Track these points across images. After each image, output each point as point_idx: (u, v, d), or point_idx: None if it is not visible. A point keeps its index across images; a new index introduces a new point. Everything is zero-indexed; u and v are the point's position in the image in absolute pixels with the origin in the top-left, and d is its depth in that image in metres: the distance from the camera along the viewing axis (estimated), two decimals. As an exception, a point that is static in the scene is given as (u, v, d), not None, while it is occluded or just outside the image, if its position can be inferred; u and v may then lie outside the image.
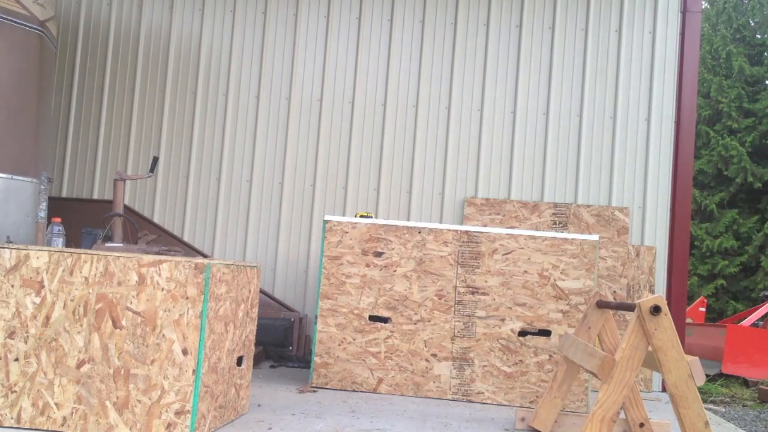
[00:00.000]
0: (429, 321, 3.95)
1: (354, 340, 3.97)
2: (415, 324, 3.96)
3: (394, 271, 4.00)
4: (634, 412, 2.93)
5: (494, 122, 5.20)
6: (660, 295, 2.54)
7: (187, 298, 2.64)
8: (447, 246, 3.99)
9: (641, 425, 2.92)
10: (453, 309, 3.95)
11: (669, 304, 4.86)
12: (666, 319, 2.51)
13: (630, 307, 3.14)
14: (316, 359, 3.97)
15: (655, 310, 2.51)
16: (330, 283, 4.02)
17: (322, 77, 5.34)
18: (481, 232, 3.99)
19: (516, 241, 3.95)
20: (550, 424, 3.11)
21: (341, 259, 4.03)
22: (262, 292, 5.00)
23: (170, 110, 5.43)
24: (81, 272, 2.70)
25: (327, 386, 3.95)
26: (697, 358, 2.59)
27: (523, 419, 3.26)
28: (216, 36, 5.44)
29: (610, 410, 2.53)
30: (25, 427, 2.66)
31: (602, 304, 3.07)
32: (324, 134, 5.30)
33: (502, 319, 3.91)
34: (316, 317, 4.02)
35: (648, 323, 2.51)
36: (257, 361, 4.44)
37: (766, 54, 15.67)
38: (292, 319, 4.87)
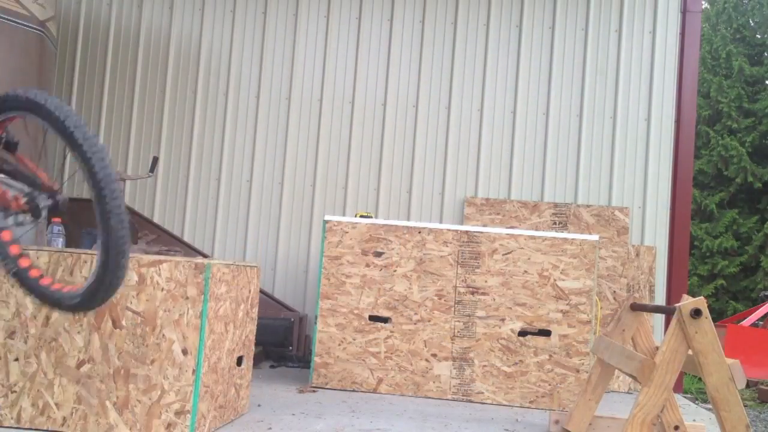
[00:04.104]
0: (429, 321, 3.95)
1: (354, 340, 3.97)
2: (415, 324, 3.96)
3: (394, 271, 4.00)
4: (669, 414, 2.92)
5: (494, 122, 5.20)
6: (701, 298, 2.54)
7: (187, 298, 2.64)
8: (447, 246, 3.99)
9: (676, 428, 2.91)
10: (453, 309, 3.94)
11: (669, 304, 4.86)
12: (707, 322, 2.50)
13: (665, 310, 3.13)
14: (316, 359, 3.97)
15: (696, 313, 2.50)
16: (330, 283, 4.02)
17: (322, 77, 5.34)
18: (481, 232, 3.99)
19: (516, 241, 3.95)
20: (585, 427, 3.10)
21: (341, 259, 4.03)
22: (262, 292, 4.99)
23: (170, 110, 5.43)
24: (81, 272, 2.70)
25: (327, 386, 3.95)
26: (737, 361, 2.56)
27: (557, 422, 3.25)
28: (216, 36, 5.44)
29: (650, 413, 2.53)
30: (25, 427, 2.66)
31: (636, 307, 3.05)
32: (324, 134, 5.30)
33: (502, 319, 3.91)
34: (316, 317, 4.02)
35: (688, 326, 2.50)
36: (257, 361, 4.44)
37: (766, 54, 15.67)
38: (292, 319, 4.87)
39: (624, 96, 5.15)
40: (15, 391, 2.68)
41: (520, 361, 3.88)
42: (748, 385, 7.86)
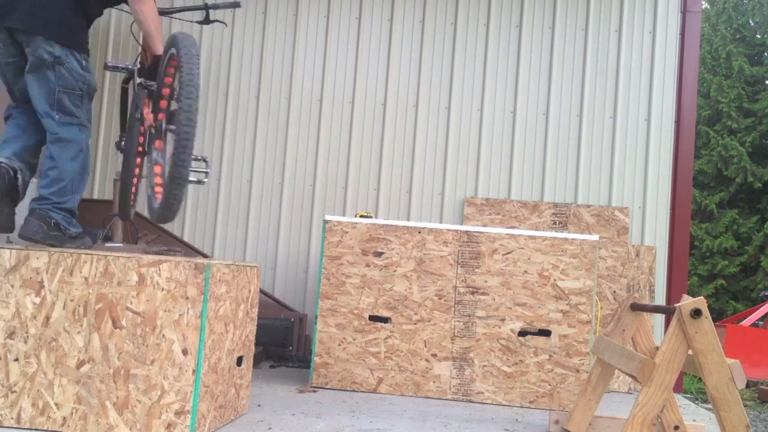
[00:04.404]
0: (429, 321, 3.95)
1: (354, 340, 3.97)
2: (415, 324, 3.96)
3: (394, 271, 4.00)
4: (669, 414, 2.92)
5: (494, 122, 5.20)
6: (701, 298, 2.54)
7: (187, 298, 2.64)
8: (447, 246, 3.99)
9: (676, 428, 2.91)
10: (453, 309, 3.94)
11: (669, 304, 4.86)
12: (707, 322, 2.51)
13: (665, 310, 3.13)
14: (316, 359, 3.97)
15: (696, 313, 2.50)
16: (330, 283, 4.02)
17: (322, 77, 5.34)
18: (481, 232, 3.99)
19: (516, 241, 3.95)
20: (585, 427, 3.10)
21: (341, 259, 4.03)
22: (262, 292, 4.99)
23: (170, 110, 5.43)
24: (81, 272, 2.70)
25: (327, 386, 3.95)
26: (738, 361, 2.57)
27: (557, 422, 3.25)
28: (216, 36, 5.44)
29: (650, 413, 2.53)
30: (25, 427, 2.66)
31: (636, 307, 3.06)
32: (324, 134, 5.30)
33: (502, 319, 3.91)
34: (316, 317, 4.02)
35: (688, 326, 2.50)
36: (257, 361, 4.44)
37: (766, 54, 15.68)
38: (292, 319, 4.87)
39: (624, 96, 5.15)
40: (15, 391, 2.68)
41: (520, 361, 3.88)
42: (748, 385, 7.86)
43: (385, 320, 3.98)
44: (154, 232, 5.15)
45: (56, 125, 2.91)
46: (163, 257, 2.73)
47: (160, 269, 2.66)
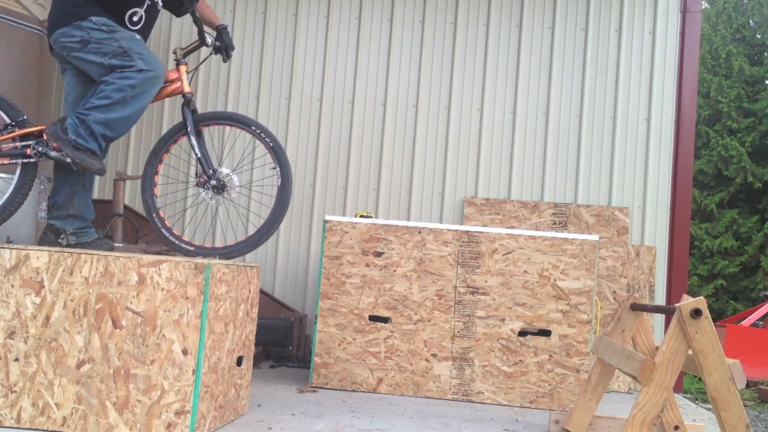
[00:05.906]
0: (429, 321, 3.95)
1: (354, 340, 3.97)
2: (415, 324, 3.96)
3: (394, 271, 4.00)
4: (669, 414, 2.92)
5: (494, 122, 5.20)
6: (701, 298, 2.54)
7: (187, 298, 2.64)
8: (447, 246, 3.99)
9: (676, 428, 2.91)
10: (453, 309, 3.95)
11: (669, 304, 4.86)
12: (707, 322, 2.51)
13: (665, 310, 3.14)
14: (316, 359, 3.97)
15: (696, 313, 2.50)
16: (330, 283, 4.02)
17: (322, 77, 5.34)
18: (481, 232, 3.99)
19: (516, 241, 3.95)
20: (585, 427, 3.10)
21: (341, 259, 4.03)
22: (262, 292, 4.99)
23: (170, 110, 5.43)
24: (81, 272, 2.70)
25: (327, 386, 3.95)
26: (738, 361, 2.57)
27: (557, 422, 3.25)
28: (216, 36, 5.42)
29: (650, 413, 2.53)
30: (25, 427, 2.66)
31: (636, 307, 3.06)
32: (324, 134, 5.30)
33: (502, 319, 3.91)
34: (316, 317, 4.02)
35: (688, 326, 2.50)
36: (257, 361, 4.44)
37: (766, 54, 15.69)
38: (292, 319, 4.87)
39: (624, 96, 5.15)
40: (15, 391, 2.68)
41: (520, 361, 3.88)
42: (748, 385, 7.87)
43: (385, 320, 3.98)
44: (154, 232, 5.14)
45: None
46: (163, 257, 2.73)
47: (160, 269, 2.66)
